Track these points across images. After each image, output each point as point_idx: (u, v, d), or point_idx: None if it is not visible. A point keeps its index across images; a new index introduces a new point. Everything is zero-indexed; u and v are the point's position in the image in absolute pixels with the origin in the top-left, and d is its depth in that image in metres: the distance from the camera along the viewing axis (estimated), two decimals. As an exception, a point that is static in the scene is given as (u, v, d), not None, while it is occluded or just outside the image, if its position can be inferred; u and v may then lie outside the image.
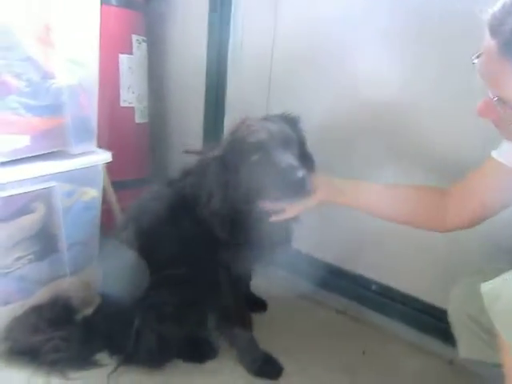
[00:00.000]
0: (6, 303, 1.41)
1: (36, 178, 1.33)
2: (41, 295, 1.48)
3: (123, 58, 1.86)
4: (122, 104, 1.92)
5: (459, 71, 1.16)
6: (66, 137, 1.43)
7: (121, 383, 1.29)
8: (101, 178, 1.59)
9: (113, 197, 1.80)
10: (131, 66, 1.90)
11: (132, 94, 1.94)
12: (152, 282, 1.27)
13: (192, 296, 1.28)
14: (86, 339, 1.35)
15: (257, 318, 1.44)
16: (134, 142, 2.04)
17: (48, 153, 1.40)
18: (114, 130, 1.89)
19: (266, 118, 1.24)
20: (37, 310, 1.42)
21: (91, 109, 1.51)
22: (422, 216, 1.15)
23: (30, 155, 1.34)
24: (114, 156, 1.56)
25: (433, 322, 1.49)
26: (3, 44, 1.21)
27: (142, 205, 1.39)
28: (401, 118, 1.48)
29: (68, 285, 1.54)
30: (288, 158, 1.12)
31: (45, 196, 1.41)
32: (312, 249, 1.78)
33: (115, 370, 1.31)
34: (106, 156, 1.55)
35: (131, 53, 1.89)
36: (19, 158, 1.31)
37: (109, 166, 1.60)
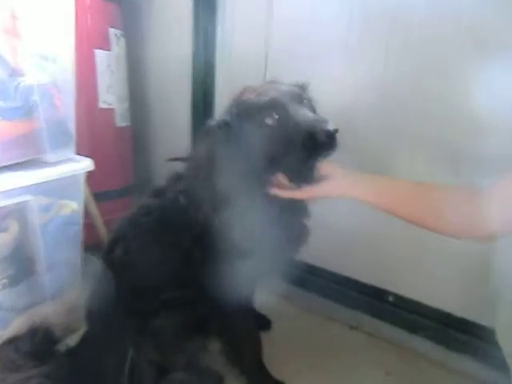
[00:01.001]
0: (-22, 336, 1.24)
1: (7, 191, 1.18)
2: (18, 324, 1.33)
3: (101, 54, 1.71)
4: (101, 105, 1.77)
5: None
6: (41, 143, 1.28)
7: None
8: (81, 188, 1.44)
9: (95, 209, 1.67)
10: (110, 64, 1.74)
11: (112, 95, 1.79)
12: (147, 306, 1.14)
13: (193, 320, 1.15)
14: (71, 375, 1.19)
15: (262, 338, 1.32)
16: (116, 147, 1.91)
17: (20, 162, 1.25)
18: (93, 134, 1.76)
19: (271, 82, 1.09)
20: (14, 342, 1.25)
21: (68, 111, 1.36)
22: (452, 220, 0.95)
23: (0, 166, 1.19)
24: (94, 164, 1.42)
25: (465, 338, 1.37)
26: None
27: (130, 222, 1.23)
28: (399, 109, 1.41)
29: (49, 311, 1.40)
30: (309, 113, 0.96)
31: (18, 212, 1.25)
32: (319, 258, 1.65)
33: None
34: (86, 164, 1.40)
35: (109, 48, 1.74)
36: (-14, 169, 1.15)
37: (89, 175, 1.45)
